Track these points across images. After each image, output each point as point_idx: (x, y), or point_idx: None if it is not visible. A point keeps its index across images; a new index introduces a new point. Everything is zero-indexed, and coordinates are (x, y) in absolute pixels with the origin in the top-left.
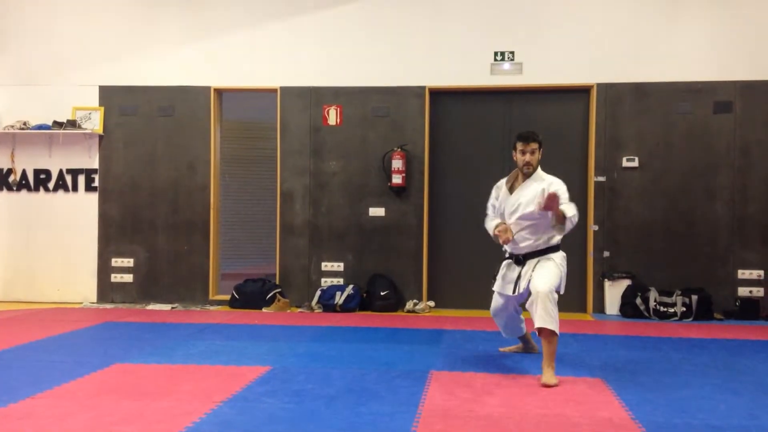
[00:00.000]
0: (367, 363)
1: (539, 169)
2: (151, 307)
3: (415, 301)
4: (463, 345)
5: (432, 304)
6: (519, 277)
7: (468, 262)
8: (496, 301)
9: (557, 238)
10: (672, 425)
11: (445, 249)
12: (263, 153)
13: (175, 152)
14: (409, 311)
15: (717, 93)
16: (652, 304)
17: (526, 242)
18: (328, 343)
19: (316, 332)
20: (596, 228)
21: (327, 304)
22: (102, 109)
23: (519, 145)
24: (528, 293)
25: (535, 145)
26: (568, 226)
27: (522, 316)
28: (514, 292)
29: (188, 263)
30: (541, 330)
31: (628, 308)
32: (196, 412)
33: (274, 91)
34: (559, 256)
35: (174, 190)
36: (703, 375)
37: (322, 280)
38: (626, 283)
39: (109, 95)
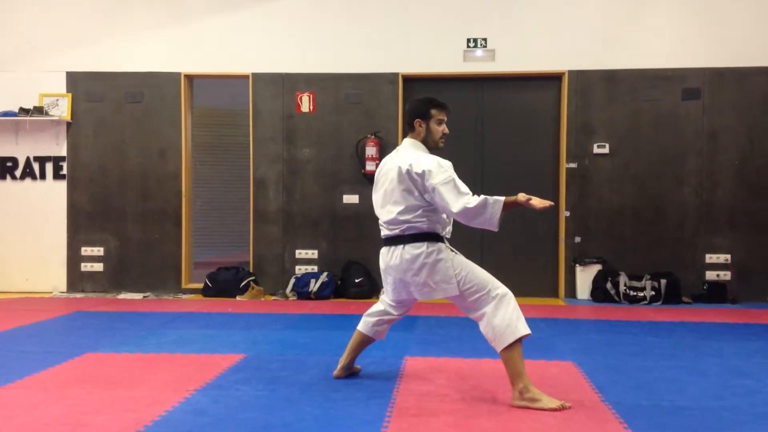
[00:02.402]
0: (342, 350)
1: None
2: (123, 296)
3: None
4: (437, 331)
5: None
6: None
7: None
8: None
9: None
10: (641, 407)
11: None
12: (235, 140)
13: (145, 139)
14: None
15: (685, 80)
16: (622, 288)
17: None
18: (302, 331)
19: (291, 320)
20: (568, 214)
21: (301, 291)
22: (70, 95)
23: (441, 115)
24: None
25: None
26: None
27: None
28: None
29: (160, 252)
30: None
31: (599, 293)
32: (170, 401)
33: (246, 77)
34: None
35: (144, 177)
36: (672, 357)
37: (296, 267)
38: (597, 267)
39: (76, 81)
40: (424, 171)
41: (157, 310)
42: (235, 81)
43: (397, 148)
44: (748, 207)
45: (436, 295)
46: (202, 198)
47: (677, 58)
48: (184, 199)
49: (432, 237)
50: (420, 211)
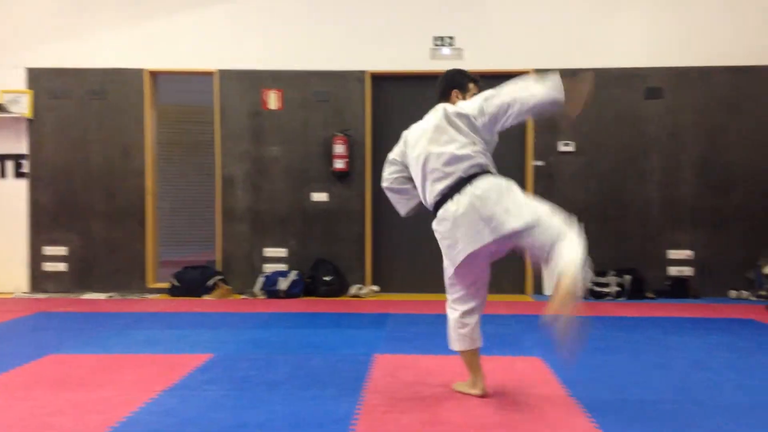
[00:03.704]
0: (311, 348)
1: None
2: (87, 296)
3: (359, 285)
4: (407, 328)
5: (376, 288)
6: None
7: (412, 246)
8: None
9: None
10: (607, 401)
11: (389, 233)
12: (202, 138)
13: (108, 137)
14: (353, 296)
15: (648, 79)
16: (587, 284)
17: None
18: (271, 330)
19: (259, 319)
20: None
21: (270, 290)
22: (31, 92)
23: (475, 89)
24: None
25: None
26: None
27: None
28: None
29: (125, 251)
30: None
31: None
32: (136, 402)
33: (211, 74)
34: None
35: (108, 176)
36: (637, 352)
37: (265, 266)
38: None
39: (37, 78)
40: (476, 106)
41: (123, 310)
42: (201, 78)
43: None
44: (710, 204)
45: (518, 223)
46: (168, 196)
47: (641, 57)
48: (149, 198)
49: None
50: (478, 146)
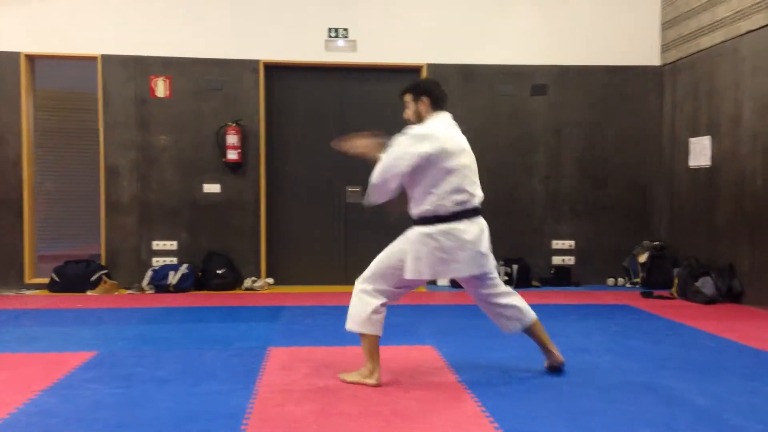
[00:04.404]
0: (202, 343)
1: (431, 117)
2: None
3: (253, 278)
4: (303, 320)
5: (271, 281)
6: None
7: (307, 239)
8: None
9: (423, 208)
10: (494, 385)
11: (284, 226)
12: (84, 125)
13: None
14: (247, 289)
15: (534, 76)
16: None
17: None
18: (160, 325)
19: (148, 314)
20: None
21: (159, 284)
22: None
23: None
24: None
25: (406, 98)
26: (370, 188)
27: (506, 301)
28: None
29: (0, 245)
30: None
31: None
32: (13, 403)
33: (94, 58)
34: (414, 233)
35: None
36: (521, 338)
37: (154, 259)
38: None
39: None
40: None
41: None
42: (83, 63)
43: (442, 119)
44: (589, 197)
45: (492, 267)
46: (47, 187)
47: (528, 55)
48: (26, 188)
49: None
50: None
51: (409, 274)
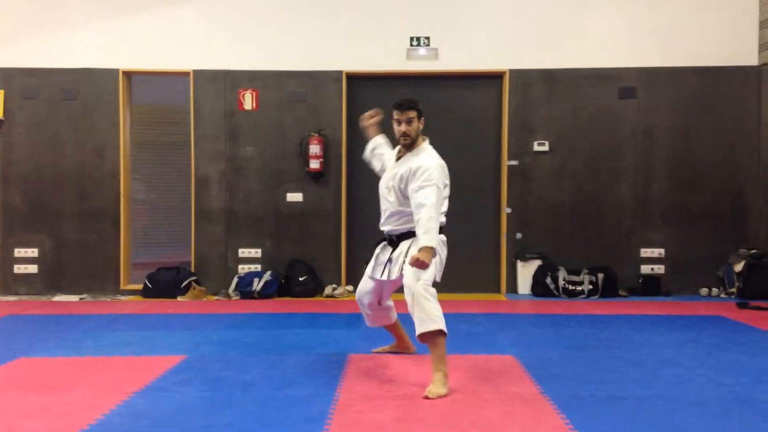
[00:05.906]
0: (285, 349)
1: (424, 141)
2: (58, 298)
3: (333, 285)
4: (381, 328)
5: (351, 288)
6: (390, 260)
7: None
8: (364, 284)
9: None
10: (579, 397)
11: (364, 233)
12: (176, 138)
13: (81, 137)
14: (328, 296)
15: (621, 79)
16: (561, 283)
17: (392, 221)
18: (245, 331)
19: (234, 320)
20: (509, 210)
21: (245, 291)
22: (2, 92)
23: (395, 114)
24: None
25: (411, 113)
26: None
27: (391, 304)
28: (381, 276)
29: (97, 252)
30: (422, 336)
31: (539, 287)
32: (107, 404)
33: (186, 74)
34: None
35: (81, 177)
36: (608, 349)
37: (240, 266)
38: (537, 263)
39: (9, 78)
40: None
41: (95, 312)
42: (176, 78)
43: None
44: (681, 202)
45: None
46: (142, 197)
47: (614, 58)
48: (122, 199)
49: None
50: None
51: (438, 276)
